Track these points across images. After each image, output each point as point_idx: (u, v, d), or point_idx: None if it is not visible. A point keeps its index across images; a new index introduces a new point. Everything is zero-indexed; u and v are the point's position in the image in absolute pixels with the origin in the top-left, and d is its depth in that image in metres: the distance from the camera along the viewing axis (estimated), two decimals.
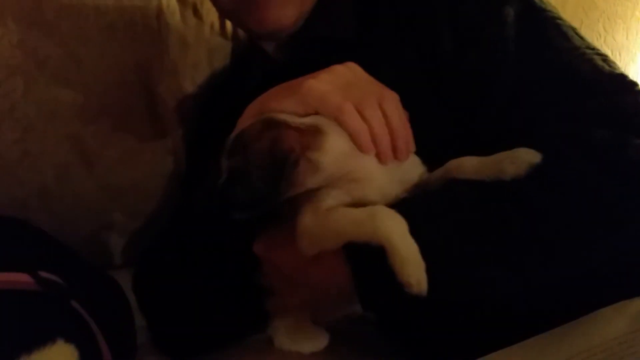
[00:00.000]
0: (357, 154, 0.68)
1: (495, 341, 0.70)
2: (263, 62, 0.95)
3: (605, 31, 1.48)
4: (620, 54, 1.53)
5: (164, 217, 1.06)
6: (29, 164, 1.01)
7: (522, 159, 0.66)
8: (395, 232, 0.62)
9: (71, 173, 1.04)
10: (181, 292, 0.82)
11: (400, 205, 0.65)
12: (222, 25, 1.13)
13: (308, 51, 0.85)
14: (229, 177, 0.67)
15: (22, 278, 0.69)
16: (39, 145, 1.01)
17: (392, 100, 0.70)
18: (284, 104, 0.70)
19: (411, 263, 0.62)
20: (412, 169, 0.71)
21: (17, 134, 1.00)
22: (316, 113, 0.68)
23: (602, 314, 0.69)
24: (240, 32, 1.12)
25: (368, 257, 0.65)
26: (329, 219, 0.66)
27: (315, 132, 0.67)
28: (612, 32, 1.49)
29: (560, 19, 0.78)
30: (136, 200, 1.08)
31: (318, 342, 0.81)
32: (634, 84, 0.73)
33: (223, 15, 1.05)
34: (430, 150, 0.72)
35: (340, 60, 0.73)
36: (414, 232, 0.63)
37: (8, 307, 0.66)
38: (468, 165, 0.70)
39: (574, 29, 0.77)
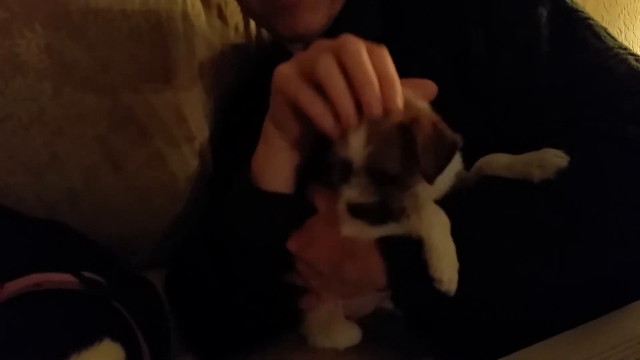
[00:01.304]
0: None
1: (526, 336, 0.71)
2: None
3: (625, 27, 1.47)
4: None
5: (191, 218, 1.06)
6: (58, 167, 1.02)
7: (550, 162, 0.66)
8: (438, 229, 0.64)
9: (99, 176, 1.04)
10: (213, 291, 0.83)
11: (439, 203, 0.66)
12: (247, 27, 1.13)
13: None
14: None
15: (66, 278, 0.70)
16: (68, 149, 1.02)
17: (349, 48, 0.62)
18: (273, 103, 0.69)
19: (447, 260, 0.64)
20: (451, 166, 0.72)
21: (46, 137, 1.01)
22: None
23: (636, 307, 0.69)
24: (264, 34, 1.13)
25: (403, 254, 0.66)
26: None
27: None
28: (633, 28, 1.49)
29: (592, 19, 0.79)
30: (164, 202, 1.08)
31: (352, 337, 0.83)
32: None
33: (253, 19, 1.05)
34: (463, 149, 0.72)
35: None
36: (453, 229, 0.64)
37: (56, 306, 0.68)
38: (498, 163, 0.71)
39: (605, 29, 0.78)
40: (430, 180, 0.63)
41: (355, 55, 0.61)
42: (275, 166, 0.73)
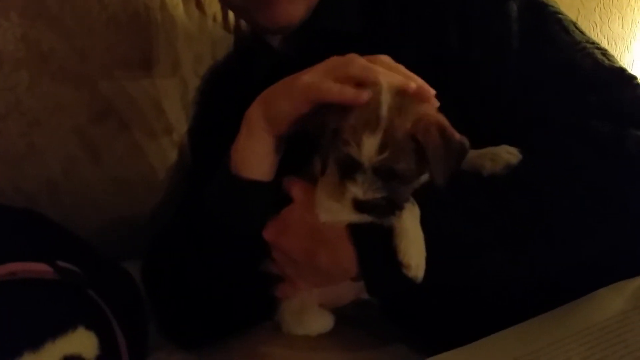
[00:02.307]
0: None
1: (495, 323, 0.73)
2: (267, 55, 0.96)
3: (601, 20, 1.49)
4: (616, 43, 1.55)
5: (170, 208, 1.07)
6: (36, 158, 1.02)
7: (501, 157, 0.69)
8: (408, 216, 0.65)
9: (78, 166, 1.04)
10: (190, 280, 0.84)
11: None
12: (225, 18, 1.13)
13: (314, 44, 0.86)
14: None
15: (41, 267, 0.71)
16: (45, 139, 1.02)
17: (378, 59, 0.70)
18: (281, 106, 0.72)
19: (415, 247, 0.65)
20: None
21: (23, 127, 1.01)
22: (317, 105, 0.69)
23: (600, 294, 0.72)
24: (243, 24, 1.13)
25: (373, 242, 0.68)
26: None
27: None
28: (608, 22, 1.51)
29: (562, 13, 0.80)
30: (142, 193, 1.09)
31: (324, 323, 0.84)
32: (633, 77, 0.75)
33: (232, 10, 1.05)
34: None
35: (345, 53, 0.74)
36: (423, 219, 0.65)
37: (30, 295, 0.69)
38: None
39: (574, 24, 0.80)
40: (441, 185, 0.65)
41: (366, 64, 0.68)
42: (258, 155, 0.76)
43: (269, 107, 0.74)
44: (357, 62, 0.68)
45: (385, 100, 0.65)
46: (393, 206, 0.66)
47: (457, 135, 0.65)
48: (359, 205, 0.66)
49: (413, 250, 0.65)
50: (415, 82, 0.68)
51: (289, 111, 0.71)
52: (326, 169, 0.71)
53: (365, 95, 0.65)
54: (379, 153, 0.63)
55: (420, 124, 0.64)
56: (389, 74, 0.68)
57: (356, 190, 0.65)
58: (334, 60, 0.71)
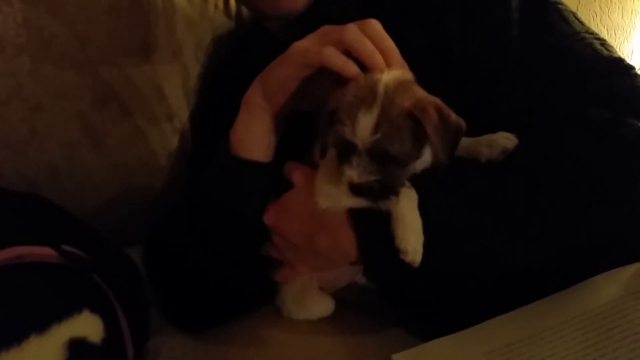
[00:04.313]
0: None
1: (493, 308, 0.75)
2: (268, 41, 0.96)
3: (601, 10, 1.50)
4: (615, 33, 1.56)
5: (171, 194, 1.08)
6: (38, 143, 1.03)
7: (498, 142, 0.70)
8: (406, 201, 0.66)
9: (80, 152, 1.05)
10: (191, 264, 0.85)
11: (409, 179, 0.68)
12: (226, 4, 1.13)
13: (314, 31, 0.87)
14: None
15: (46, 251, 0.71)
16: (47, 125, 1.02)
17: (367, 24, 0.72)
18: (277, 74, 0.73)
19: (412, 232, 0.66)
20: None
21: (25, 113, 1.01)
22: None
23: (596, 280, 0.73)
24: (244, 11, 1.13)
25: (373, 226, 0.69)
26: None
27: None
28: (608, 12, 1.51)
29: (561, 3, 0.81)
30: (144, 179, 1.10)
31: (325, 308, 0.86)
32: (630, 67, 0.76)
33: None
34: None
35: None
36: (421, 204, 0.66)
37: (36, 278, 0.69)
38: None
39: (574, 14, 0.80)
40: (444, 164, 0.65)
41: (357, 34, 0.70)
42: (257, 136, 0.77)
43: (266, 80, 0.75)
44: (351, 29, 0.70)
45: (383, 78, 0.66)
46: (388, 190, 0.66)
47: (454, 116, 0.66)
48: (354, 189, 0.66)
49: (410, 236, 0.66)
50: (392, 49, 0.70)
51: (285, 77, 0.72)
52: (326, 153, 0.71)
53: (360, 74, 0.67)
54: (373, 132, 0.63)
55: (417, 104, 0.65)
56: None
57: (351, 173, 0.65)
58: (327, 27, 0.72)
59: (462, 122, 0.66)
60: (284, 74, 0.73)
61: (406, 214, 0.66)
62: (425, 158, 0.70)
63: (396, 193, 0.67)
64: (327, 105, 0.68)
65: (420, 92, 0.67)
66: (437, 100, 0.66)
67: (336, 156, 0.69)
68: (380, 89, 0.65)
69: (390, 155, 0.65)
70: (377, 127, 0.63)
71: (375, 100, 0.64)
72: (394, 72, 0.68)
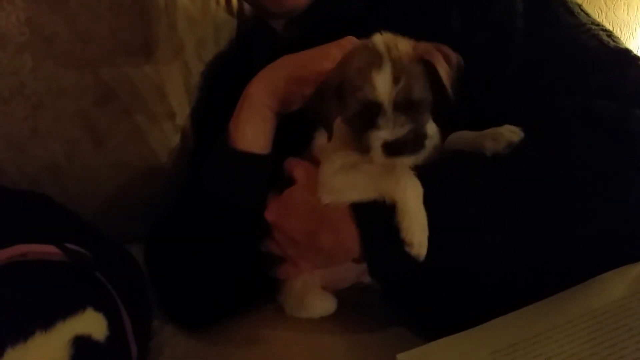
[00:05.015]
0: None
1: (497, 307, 0.73)
2: (271, 39, 0.96)
3: (606, 7, 1.49)
4: (621, 29, 1.54)
5: (172, 192, 1.07)
6: (39, 141, 1.03)
7: (503, 136, 0.69)
8: (411, 193, 0.66)
9: (81, 150, 1.05)
10: (191, 262, 0.85)
11: (414, 172, 0.68)
12: (228, 1, 1.13)
13: (317, 28, 0.86)
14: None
15: (50, 249, 0.71)
16: (49, 123, 1.02)
17: None
18: (293, 86, 0.75)
19: (418, 225, 0.66)
20: (429, 140, 0.73)
21: (27, 111, 1.01)
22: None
23: (603, 278, 0.72)
24: (246, 8, 1.12)
25: (375, 221, 0.68)
26: (351, 171, 0.69)
27: None
28: (614, 8, 1.50)
29: None
30: (145, 177, 1.09)
31: (327, 306, 0.85)
32: (637, 58, 0.75)
33: None
34: (441, 124, 0.74)
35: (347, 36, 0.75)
36: (425, 197, 0.66)
37: (41, 276, 0.69)
38: (460, 138, 0.74)
39: (579, 6, 0.79)
40: (454, 102, 0.65)
41: None
42: (259, 131, 0.79)
43: (275, 83, 0.77)
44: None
45: (378, 39, 0.67)
46: (421, 139, 0.66)
47: (453, 53, 0.67)
48: (390, 148, 0.65)
49: (415, 228, 0.65)
50: None
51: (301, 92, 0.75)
52: (332, 135, 0.70)
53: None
54: (394, 84, 0.64)
55: (420, 47, 0.66)
56: None
57: (383, 133, 0.64)
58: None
59: (460, 59, 0.68)
60: (301, 93, 0.75)
61: (412, 206, 0.65)
62: (432, 132, 0.70)
63: (423, 145, 0.66)
64: (330, 83, 0.68)
65: (413, 41, 0.68)
66: (434, 43, 0.68)
67: (351, 132, 0.68)
68: (381, 47, 0.66)
69: (414, 103, 0.65)
70: (396, 79, 0.64)
71: (382, 57, 0.65)
72: (381, 34, 0.69)
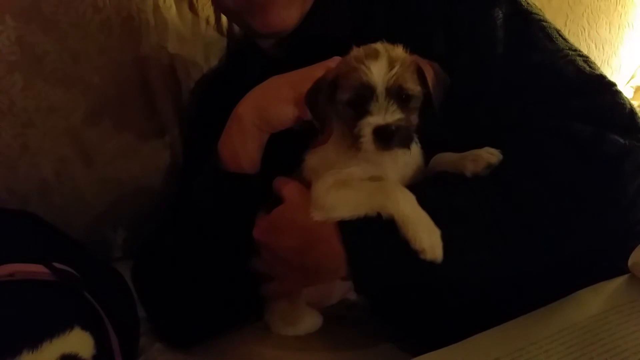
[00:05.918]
0: None
1: (480, 323, 0.74)
2: (260, 58, 0.97)
3: (589, 25, 1.52)
4: (603, 47, 1.57)
5: (161, 209, 1.07)
6: (29, 159, 1.03)
7: (482, 157, 0.71)
8: (405, 202, 0.67)
9: (70, 167, 1.05)
10: (179, 280, 0.85)
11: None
12: (218, 21, 1.14)
13: (305, 48, 0.88)
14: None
15: (38, 269, 0.72)
16: (39, 140, 1.03)
17: None
18: (282, 110, 0.77)
19: (424, 229, 0.66)
20: (413, 159, 0.76)
21: (17, 129, 1.02)
22: None
23: (580, 295, 0.73)
24: (236, 28, 1.14)
25: (363, 241, 0.69)
26: (343, 188, 0.70)
27: None
28: (596, 26, 1.53)
29: (546, 21, 0.82)
30: (134, 194, 1.10)
31: (312, 323, 0.85)
32: (612, 84, 0.78)
33: (225, 15, 1.07)
34: (424, 145, 0.76)
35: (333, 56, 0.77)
36: None
37: (29, 296, 0.70)
38: (442, 159, 0.76)
39: (557, 31, 0.82)
40: (439, 112, 0.70)
41: None
42: (249, 151, 0.80)
43: (265, 106, 0.78)
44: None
45: (378, 44, 0.71)
46: (410, 133, 0.69)
47: (441, 70, 0.71)
48: (380, 134, 0.67)
49: (422, 234, 0.65)
50: None
51: (291, 116, 0.77)
52: (325, 128, 0.73)
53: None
54: (388, 70, 0.67)
55: (414, 57, 0.70)
56: None
57: (375, 118, 0.67)
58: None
59: (447, 78, 0.72)
60: (290, 113, 0.77)
61: (410, 214, 0.66)
62: (416, 153, 0.74)
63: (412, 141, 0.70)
64: (327, 77, 0.71)
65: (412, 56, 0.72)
66: (427, 60, 0.71)
67: (344, 125, 0.71)
68: (380, 47, 0.70)
69: (406, 94, 0.68)
70: (391, 67, 0.67)
71: (379, 52, 0.69)
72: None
